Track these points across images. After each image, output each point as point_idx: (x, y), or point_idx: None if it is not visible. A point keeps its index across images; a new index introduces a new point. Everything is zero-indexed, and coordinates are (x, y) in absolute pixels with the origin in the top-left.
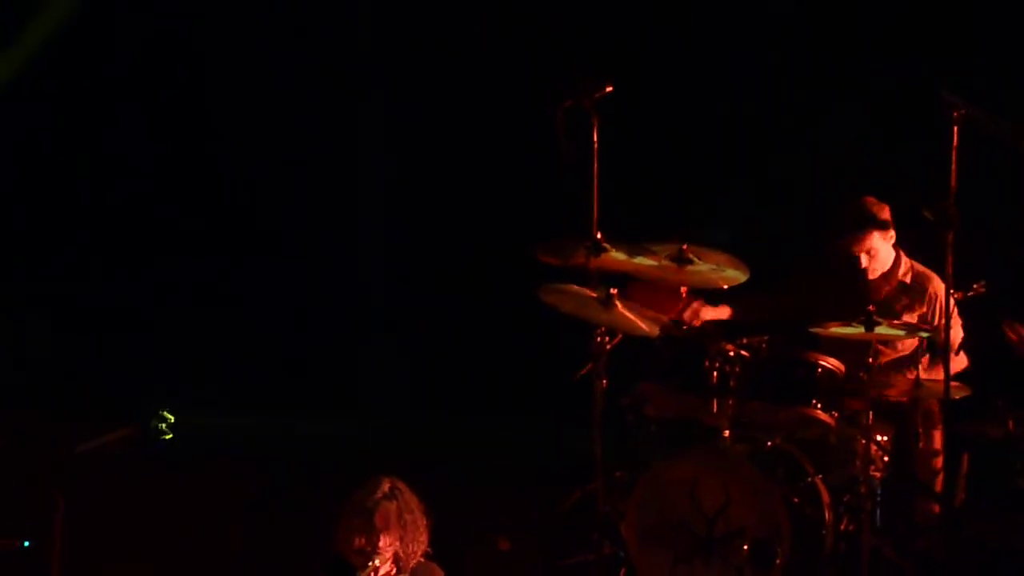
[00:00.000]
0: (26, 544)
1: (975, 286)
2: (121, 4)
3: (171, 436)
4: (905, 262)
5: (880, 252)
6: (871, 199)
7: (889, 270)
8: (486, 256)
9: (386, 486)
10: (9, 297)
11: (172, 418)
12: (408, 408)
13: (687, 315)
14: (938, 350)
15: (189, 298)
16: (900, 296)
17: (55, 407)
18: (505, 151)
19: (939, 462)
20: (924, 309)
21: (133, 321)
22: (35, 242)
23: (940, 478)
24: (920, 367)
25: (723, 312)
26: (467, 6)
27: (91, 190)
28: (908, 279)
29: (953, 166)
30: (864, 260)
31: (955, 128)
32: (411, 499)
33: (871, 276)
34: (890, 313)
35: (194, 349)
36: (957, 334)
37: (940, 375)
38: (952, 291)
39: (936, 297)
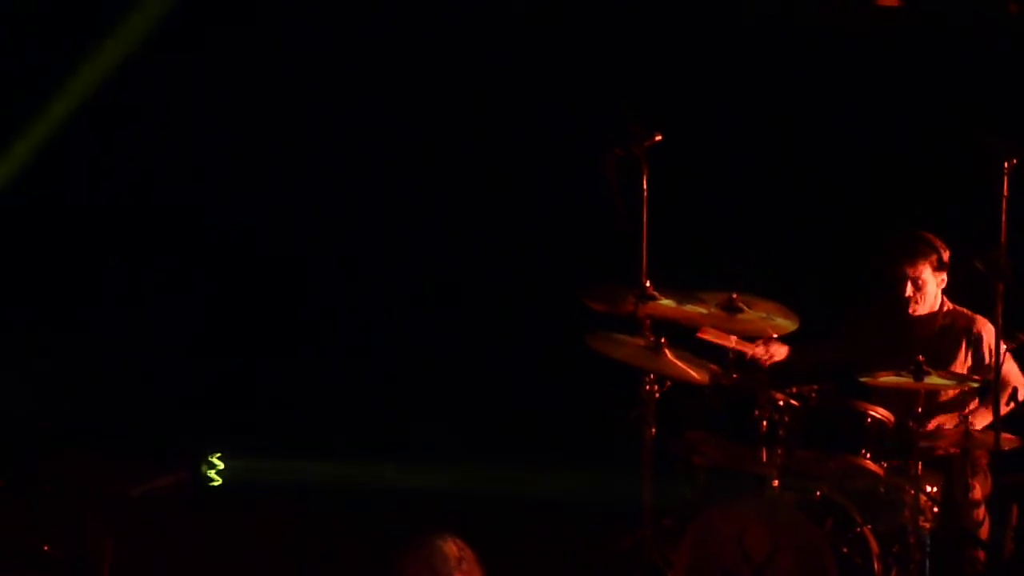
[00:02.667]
0: None
1: (1020, 336)
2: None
3: (220, 482)
4: (947, 305)
5: (928, 287)
6: (932, 236)
7: (932, 313)
8: (534, 302)
9: (455, 549)
10: (57, 333)
11: (222, 464)
12: (453, 454)
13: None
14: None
15: (238, 339)
16: (945, 340)
17: (106, 449)
18: (555, 197)
19: (986, 513)
20: (971, 351)
21: (181, 361)
22: (84, 277)
23: (987, 529)
24: (969, 415)
25: (784, 351)
26: (522, 51)
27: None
28: (949, 321)
29: (1003, 215)
30: (910, 289)
31: (1005, 177)
32: (469, 554)
33: (914, 311)
34: (937, 359)
35: (242, 390)
36: (1008, 383)
37: (987, 419)
38: (1004, 342)
39: (982, 338)
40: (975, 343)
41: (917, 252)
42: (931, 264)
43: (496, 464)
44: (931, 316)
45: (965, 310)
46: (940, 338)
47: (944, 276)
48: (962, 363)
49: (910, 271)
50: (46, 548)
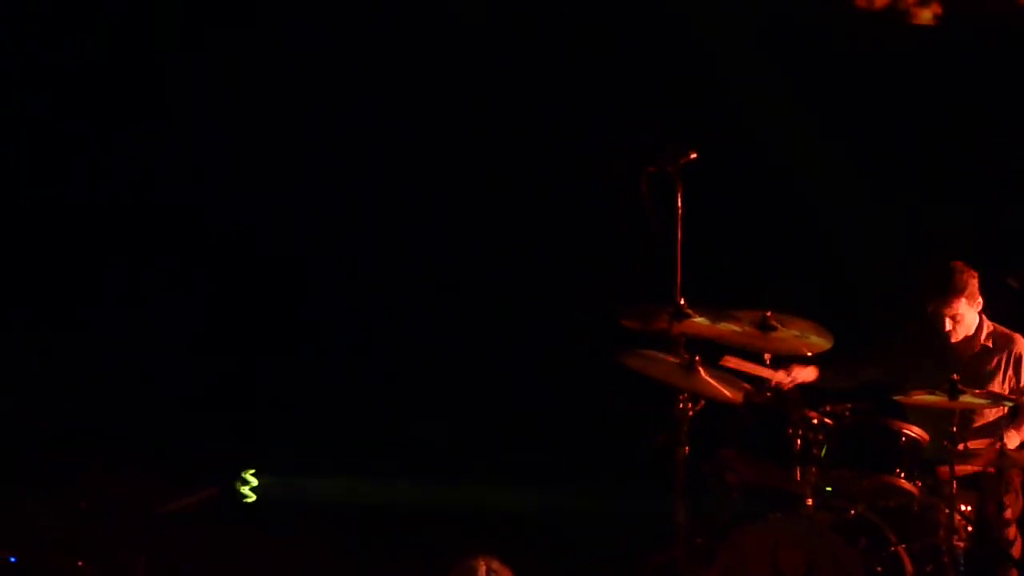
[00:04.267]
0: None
1: None
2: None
3: (252, 499)
4: (987, 325)
5: (965, 318)
6: (960, 264)
7: (972, 335)
8: (569, 320)
9: (483, 569)
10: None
11: (255, 481)
12: (488, 473)
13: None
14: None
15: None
16: (985, 360)
17: (139, 465)
18: (589, 216)
19: (1019, 532)
20: (1011, 371)
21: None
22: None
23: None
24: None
25: (811, 373)
26: (558, 70)
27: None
28: (990, 343)
29: None
30: (948, 324)
31: None
32: (506, 574)
33: (954, 340)
34: (976, 378)
35: (275, 407)
36: None
37: (1018, 439)
38: None
39: (1021, 358)
40: (1015, 362)
41: (950, 291)
42: (966, 297)
43: (530, 483)
44: (970, 338)
45: (1005, 330)
46: (981, 357)
47: (979, 299)
48: (1000, 383)
49: (946, 311)
50: (80, 564)
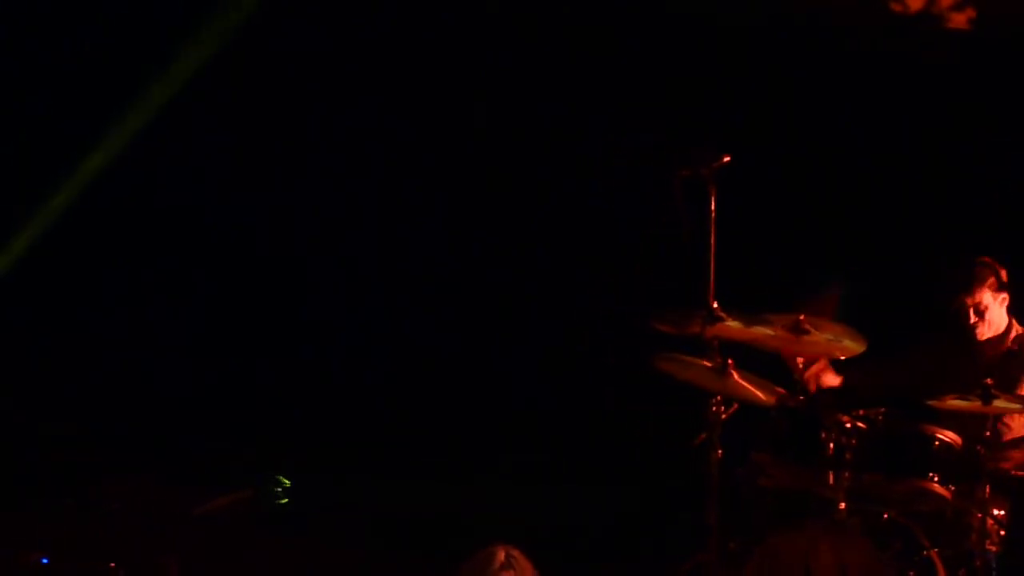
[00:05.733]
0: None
1: None
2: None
3: (285, 501)
4: (1016, 328)
5: (991, 311)
6: (986, 259)
7: (1000, 334)
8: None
9: (501, 555)
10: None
11: (287, 483)
12: (521, 476)
13: (808, 374)
14: None
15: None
16: (1013, 364)
17: (172, 469)
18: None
19: None
20: None
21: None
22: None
23: None
24: None
25: (834, 380)
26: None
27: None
28: (1016, 346)
29: None
30: (972, 316)
31: None
32: (527, 567)
33: (980, 336)
34: (1006, 382)
35: (307, 411)
36: None
37: None
38: None
39: None
40: None
41: (974, 279)
42: (990, 288)
43: (563, 485)
44: (998, 338)
45: None
46: (1008, 360)
47: (1005, 295)
48: None
49: (969, 300)
50: (112, 566)
